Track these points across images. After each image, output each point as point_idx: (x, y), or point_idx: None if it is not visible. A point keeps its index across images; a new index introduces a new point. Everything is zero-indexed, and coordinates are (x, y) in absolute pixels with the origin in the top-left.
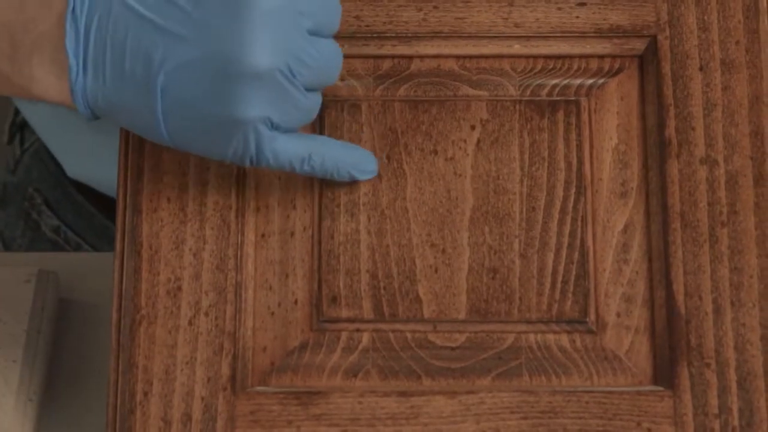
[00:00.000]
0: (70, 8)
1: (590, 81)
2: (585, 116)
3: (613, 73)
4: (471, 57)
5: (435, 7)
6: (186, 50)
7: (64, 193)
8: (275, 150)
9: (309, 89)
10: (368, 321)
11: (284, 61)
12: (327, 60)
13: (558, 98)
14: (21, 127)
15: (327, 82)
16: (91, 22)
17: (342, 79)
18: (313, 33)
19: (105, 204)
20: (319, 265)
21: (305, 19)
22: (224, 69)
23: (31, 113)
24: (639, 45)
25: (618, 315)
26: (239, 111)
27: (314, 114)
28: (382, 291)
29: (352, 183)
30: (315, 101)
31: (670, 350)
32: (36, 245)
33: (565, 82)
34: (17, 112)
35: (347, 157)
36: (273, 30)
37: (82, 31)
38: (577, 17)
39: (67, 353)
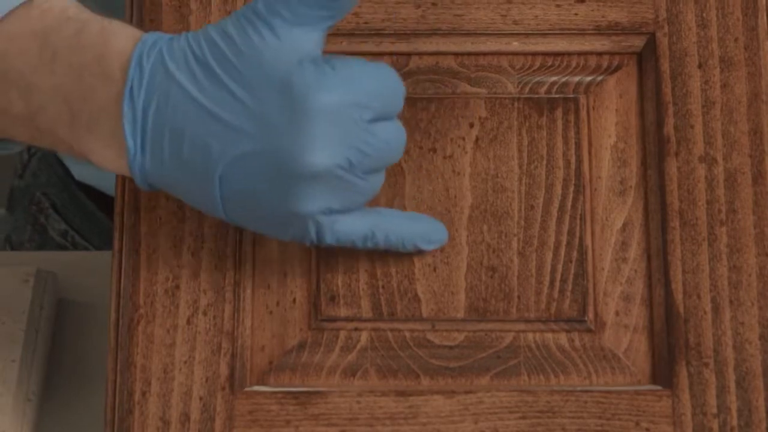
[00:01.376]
0: (128, 87)
1: (589, 78)
2: (583, 114)
3: (612, 71)
4: (470, 54)
5: (433, 4)
6: (244, 144)
7: (71, 197)
8: (337, 232)
9: (370, 173)
10: (367, 320)
11: (343, 156)
12: (388, 144)
13: (556, 95)
14: None
15: (390, 162)
16: (149, 105)
17: None
18: (375, 120)
19: (112, 208)
20: (318, 263)
21: (365, 110)
22: (283, 167)
23: None
24: (638, 42)
25: (617, 314)
26: (299, 207)
27: (377, 192)
28: (381, 290)
29: None
30: (377, 181)
31: (668, 349)
32: (43, 249)
33: (564, 79)
34: None
35: (412, 230)
36: (331, 126)
37: (140, 112)
38: (576, 14)
39: (66, 353)
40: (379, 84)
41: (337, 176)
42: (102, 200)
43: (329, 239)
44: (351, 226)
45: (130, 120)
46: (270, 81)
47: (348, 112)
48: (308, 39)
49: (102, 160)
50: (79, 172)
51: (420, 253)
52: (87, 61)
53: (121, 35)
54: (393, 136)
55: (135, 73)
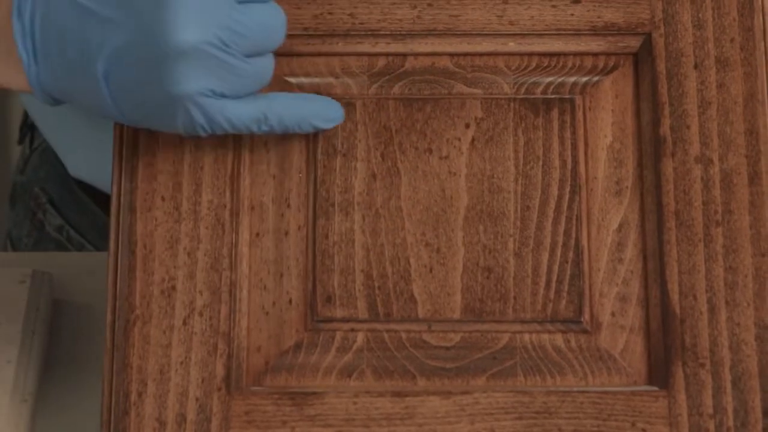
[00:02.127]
0: (16, 2)
1: (585, 79)
2: (579, 114)
3: (608, 71)
4: (465, 55)
5: (429, 5)
6: (117, 35)
7: (69, 193)
8: (227, 116)
9: (252, 55)
10: (363, 321)
11: (213, 33)
12: (263, 25)
13: (552, 96)
14: (32, 128)
15: (271, 46)
16: (35, 14)
17: (336, 77)
18: (245, 1)
19: (109, 204)
20: (314, 264)
21: None
22: (154, 49)
23: (35, 111)
24: (634, 42)
25: (613, 314)
26: (174, 88)
27: (266, 78)
28: (377, 291)
29: (347, 182)
30: (263, 66)
31: (664, 350)
32: (41, 245)
33: (560, 79)
34: None
35: (306, 109)
36: (196, 5)
37: (27, 24)
38: (572, 15)
39: (62, 354)
40: None
41: (211, 55)
42: (100, 196)
43: (221, 122)
44: (241, 110)
45: (20, 33)
46: None
47: None
48: None
49: (8, 80)
50: (73, 169)
51: (318, 132)
52: None
53: None
54: (267, 16)
55: None
